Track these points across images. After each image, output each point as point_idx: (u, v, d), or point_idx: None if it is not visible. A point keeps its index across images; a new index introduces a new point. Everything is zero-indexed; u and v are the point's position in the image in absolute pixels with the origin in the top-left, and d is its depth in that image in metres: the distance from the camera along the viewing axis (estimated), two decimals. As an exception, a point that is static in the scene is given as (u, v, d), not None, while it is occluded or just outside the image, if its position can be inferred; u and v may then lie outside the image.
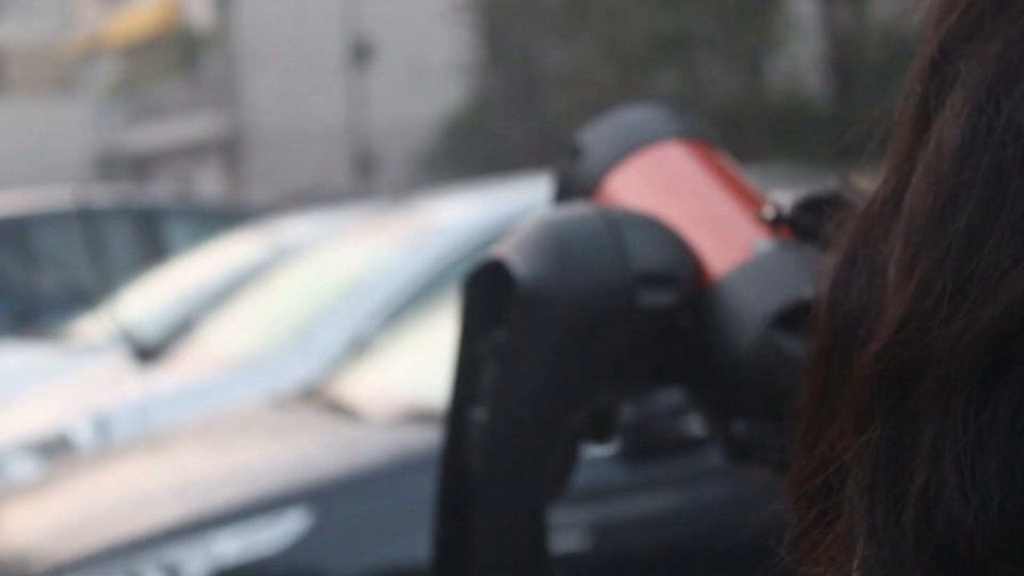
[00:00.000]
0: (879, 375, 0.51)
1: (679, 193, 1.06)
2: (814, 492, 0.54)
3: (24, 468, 5.73)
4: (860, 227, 0.55)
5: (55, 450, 5.87)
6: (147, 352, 6.78)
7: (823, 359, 0.55)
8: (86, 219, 10.58)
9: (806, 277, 0.97)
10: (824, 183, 0.98)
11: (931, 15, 0.54)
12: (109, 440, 5.74)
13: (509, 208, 6.00)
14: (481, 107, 27.35)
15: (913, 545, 0.49)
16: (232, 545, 4.03)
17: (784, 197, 1.02)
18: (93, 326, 7.81)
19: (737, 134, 17.73)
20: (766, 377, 0.95)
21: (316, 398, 5.14)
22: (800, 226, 1.00)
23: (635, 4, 22.46)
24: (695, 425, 3.94)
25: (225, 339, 6.75)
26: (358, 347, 5.80)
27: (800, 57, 22.30)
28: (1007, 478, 0.47)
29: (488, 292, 1.04)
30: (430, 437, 4.00)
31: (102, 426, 5.92)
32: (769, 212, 1.02)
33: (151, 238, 11.09)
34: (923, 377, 0.49)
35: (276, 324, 6.42)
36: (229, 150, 35.92)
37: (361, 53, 32.94)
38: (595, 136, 1.11)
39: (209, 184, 35.52)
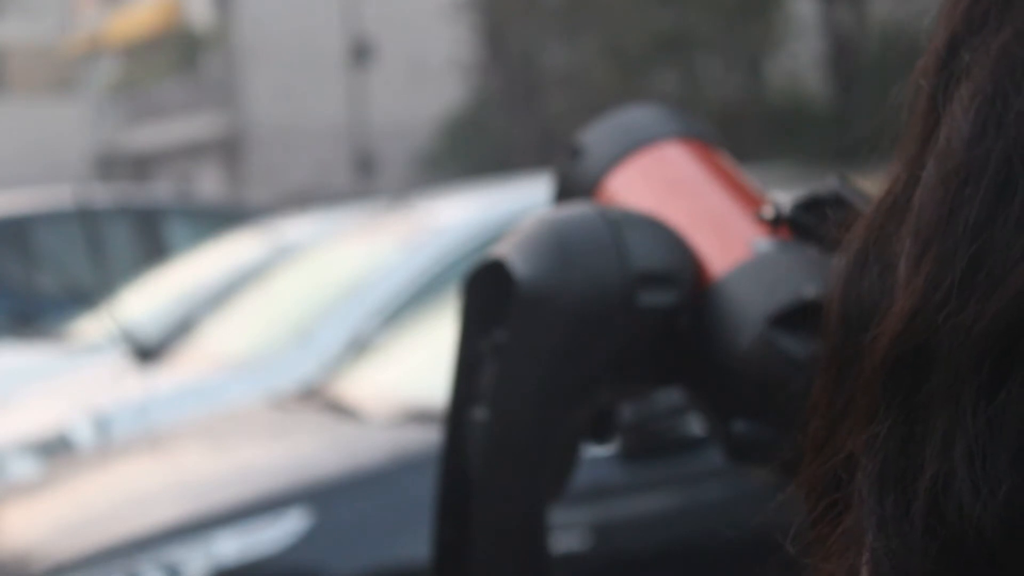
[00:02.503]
0: (889, 367, 0.51)
1: (679, 193, 1.06)
2: (824, 485, 0.54)
3: (24, 468, 5.73)
4: (870, 224, 0.55)
5: (55, 450, 5.87)
6: (147, 352, 6.77)
7: (835, 355, 0.55)
8: (86, 219, 10.57)
9: (806, 277, 0.96)
10: (824, 183, 0.98)
11: (938, 11, 0.54)
12: (109, 440, 5.74)
13: (509, 208, 6.00)
14: (481, 107, 27.35)
15: (922, 536, 0.49)
16: (232, 545, 4.03)
17: (784, 197, 1.02)
18: (93, 326, 7.80)
19: (737, 134, 17.72)
20: (766, 377, 0.95)
21: (316, 398, 5.14)
22: (800, 226, 1.00)
23: (635, 4, 22.46)
24: (695, 425, 3.95)
25: (225, 339, 6.75)
26: (358, 347, 5.80)
27: (800, 57, 22.30)
28: (1017, 468, 0.47)
29: (488, 292, 1.04)
30: (430, 437, 4.00)
31: (102, 426, 5.92)
32: (769, 212, 1.02)
33: (151, 238, 11.09)
34: (933, 368, 0.50)
35: (276, 324, 6.42)
36: (229, 150, 35.91)
37: (361, 53, 32.94)
38: (595, 136, 1.11)
39: (209, 184, 35.51)
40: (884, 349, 0.51)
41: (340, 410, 4.89)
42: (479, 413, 1.03)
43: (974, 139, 0.50)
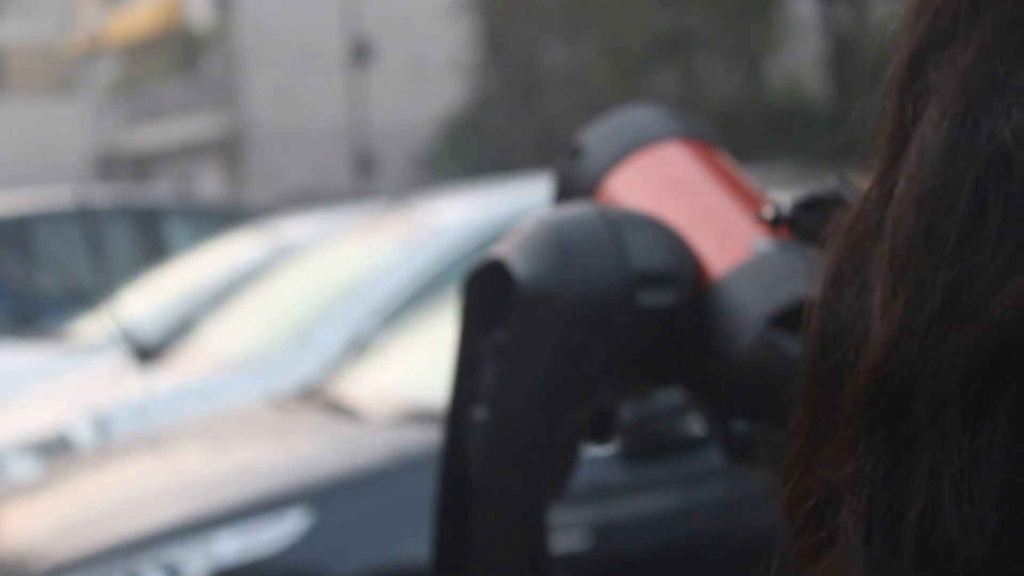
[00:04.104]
0: (870, 399, 0.49)
1: (679, 193, 1.06)
2: (806, 519, 0.52)
3: (24, 468, 5.73)
4: (845, 242, 0.53)
5: (55, 450, 5.87)
6: (147, 352, 6.78)
7: (815, 381, 0.53)
8: (86, 219, 10.57)
9: (806, 277, 0.96)
10: (824, 183, 0.98)
11: (903, 23, 0.53)
12: (109, 440, 5.74)
13: (509, 208, 6.00)
14: (481, 107, 27.36)
15: (911, 575, 0.48)
16: (232, 545, 4.03)
17: (784, 197, 1.02)
18: (93, 326, 7.81)
19: (737, 134, 17.72)
20: (766, 377, 0.95)
21: (316, 398, 5.14)
22: (800, 226, 1.00)
23: (635, 4, 22.46)
24: (695, 425, 3.95)
25: (225, 339, 6.75)
26: (358, 347, 5.80)
27: (800, 57, 22.31)
28: (1005, 502, 0.46)
29: (488, 292, 1.04)
30: (430, 437, 4.00)
31: (102, 426, 5.92)
32: (769, 212, 1.01)
33: (151, 238, 11.09)
34: (915, 400, 0.48)
35: (276, 324, 6.42)
36: (229, 150, 35.91)
37: (361, 53, 32.93)
38: (595, 136, 1.11)
39: (209, 184, 35.51)
40: (864, 380, 0.50)
41: (340, 410, 4.89)
42: (479, 413, 1.03)
43: (947, 161, 0.49)
